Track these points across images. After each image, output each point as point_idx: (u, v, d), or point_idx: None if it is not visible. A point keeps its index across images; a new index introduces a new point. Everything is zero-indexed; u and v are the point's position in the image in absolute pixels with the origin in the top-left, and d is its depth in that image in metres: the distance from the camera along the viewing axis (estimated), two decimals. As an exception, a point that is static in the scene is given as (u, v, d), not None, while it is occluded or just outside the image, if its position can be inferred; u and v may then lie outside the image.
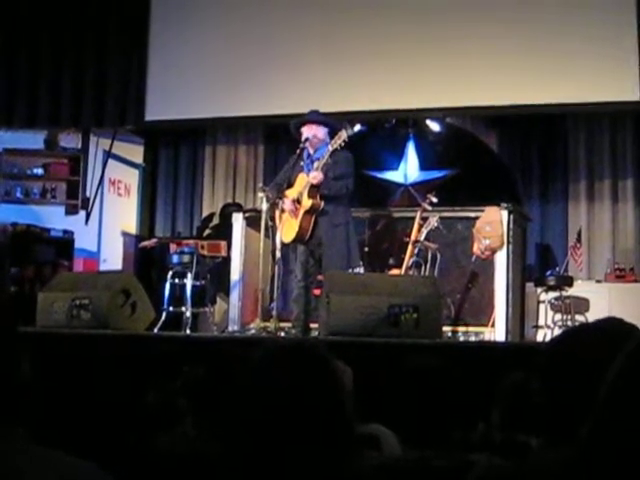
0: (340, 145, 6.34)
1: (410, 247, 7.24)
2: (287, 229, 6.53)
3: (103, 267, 9.06)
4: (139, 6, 9.00)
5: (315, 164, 6.48)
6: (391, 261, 7.60)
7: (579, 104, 7.85)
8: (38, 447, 1.50)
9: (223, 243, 8.13)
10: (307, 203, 6.41)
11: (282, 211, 6.53)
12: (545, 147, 8.98)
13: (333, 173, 6.41)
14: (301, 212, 6.43)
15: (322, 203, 6.41)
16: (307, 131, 6.60)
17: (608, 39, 7.55)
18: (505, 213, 7.30)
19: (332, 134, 6.57)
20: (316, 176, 6.36)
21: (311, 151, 6.61)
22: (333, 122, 6.72)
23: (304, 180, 6.48)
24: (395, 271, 7.28)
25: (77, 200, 9.14)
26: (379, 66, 8.14)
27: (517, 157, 9.09)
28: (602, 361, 1.25)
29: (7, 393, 1.53)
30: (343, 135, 6.34)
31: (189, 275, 7.56)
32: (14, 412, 1.53)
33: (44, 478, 1.45)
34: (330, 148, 6.38)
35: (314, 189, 6.40)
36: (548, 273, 7.99)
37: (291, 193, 6.53)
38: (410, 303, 5.24)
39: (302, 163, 6.62)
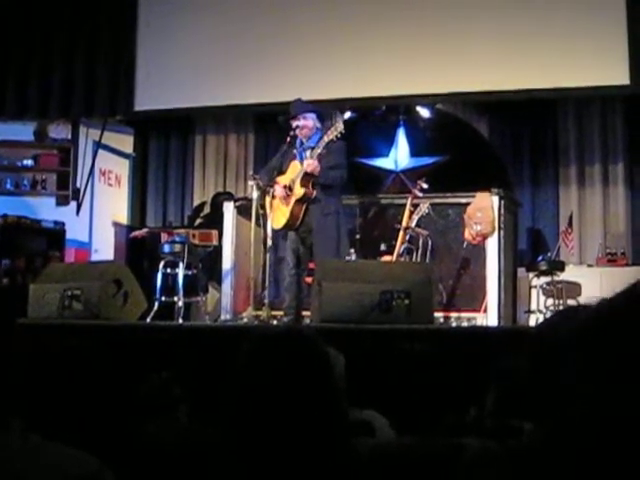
0: (336, 136, 6.30)
1: (401, 234, 7.24)
2: (277, 215, 6.51)
3: (94, 257, 9.05)
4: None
5: (308, 152, 6.46)
6: (382, 248, 7.59)
7: (569, 89, 7.83)
8: (35, 437, 1.50)
9: (214, 232, 8.13)
10: (299, 192, 6.39)
11: (273, 197, 6.51)
12: (535, 132, 8.98)
13: (327, 163, 6.39)
14: (292, 200, 6.42)
15: (314, 192, 6.40)
16: (296, 122, 6.57)
17: (597, 23, 7.54)
18: (496, 199, 7.31)
19: (321, 119, 6.56)
20: (311, 164, 6.33)
21: (304, 139, 6.58)
22: (318, 108, 6.70)
23: (297, 168, 6.45)
24: (387, 258, 7.28)
25: (68, 191, 9.11)
26: (369, 53, 8.12)
27: (508, 142, 9.10)
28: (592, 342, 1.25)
29: (2, 385, 1.53)
30: (340, 127, 6.28)
31: (181, 265, 7.53)
32: (10, 403, 1.53)
33: (41, 469, 1.45)
34: (326, 139, 6.32)
35: (308, 177, 6.37)
36: (540, 258, 8.00)
37: (283, 179, 6.51)
38: (402, 289, 5.23)
39: (295, 151, 6.59)
